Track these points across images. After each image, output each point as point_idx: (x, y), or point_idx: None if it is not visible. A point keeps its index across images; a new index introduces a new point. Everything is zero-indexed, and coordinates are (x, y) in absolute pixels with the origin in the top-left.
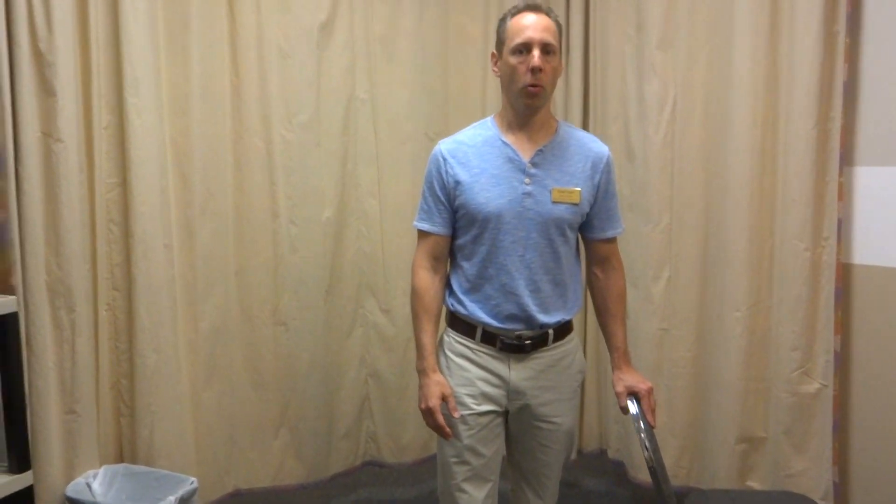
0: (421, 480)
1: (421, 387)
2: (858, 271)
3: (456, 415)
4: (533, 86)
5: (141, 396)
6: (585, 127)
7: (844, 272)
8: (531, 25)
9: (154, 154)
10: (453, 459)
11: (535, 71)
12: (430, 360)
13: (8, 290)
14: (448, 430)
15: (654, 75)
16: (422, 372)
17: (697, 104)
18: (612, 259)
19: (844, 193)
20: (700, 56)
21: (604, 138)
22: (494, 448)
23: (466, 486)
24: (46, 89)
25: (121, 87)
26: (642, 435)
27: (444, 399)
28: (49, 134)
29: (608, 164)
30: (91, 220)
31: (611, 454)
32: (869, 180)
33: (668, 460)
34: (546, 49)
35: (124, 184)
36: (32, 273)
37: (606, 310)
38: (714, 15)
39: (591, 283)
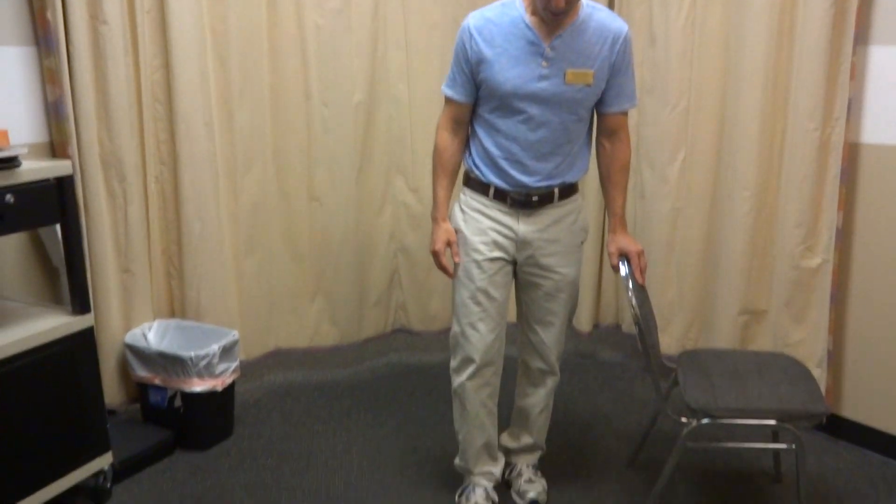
0: (447, 347)
1: (432, 232)
2: (865, 150)
3: (457, 259)
4: (555, 14)
5: (188, 260)
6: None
7: (851, 151)
8: None
9: (193, 38)
10: (469, 300)
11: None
12: (441, 210)
13: (66, 158)
14: (451, 270)
15: None
16: (434, 220)
17: None
18: (620, 132)
19: (857, 72)
20: None
21: (629, 23)
22: (504, 294)
23: (479, 325)
24: None
25: None
26: (630, 293)
27: (448, 244)
28: (95, 16)
29: (625, 42)
30: (138, 98)
31: (625, 328)
32: (883, 59)
33: (677, 331)
34: None
35: (167, 66)
36: (87, 145)
37: (610, 178)
38: None
39: (598, 153)
